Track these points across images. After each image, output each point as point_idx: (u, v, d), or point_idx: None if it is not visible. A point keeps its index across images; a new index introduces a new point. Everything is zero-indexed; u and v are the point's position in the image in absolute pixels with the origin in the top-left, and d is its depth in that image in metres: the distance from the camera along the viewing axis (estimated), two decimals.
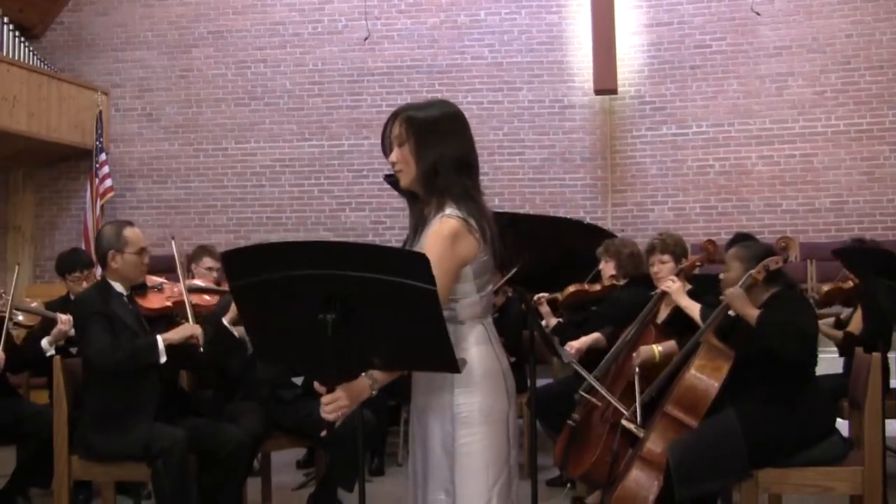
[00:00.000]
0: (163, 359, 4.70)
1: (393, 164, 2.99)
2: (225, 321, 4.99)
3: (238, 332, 4.91)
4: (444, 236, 2.84)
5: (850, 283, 6.37)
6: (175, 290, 5.16)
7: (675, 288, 5.17)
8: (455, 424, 2.91)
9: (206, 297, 5.50)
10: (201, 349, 4.81)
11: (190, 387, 5.84)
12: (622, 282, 6.09)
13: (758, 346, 4.31)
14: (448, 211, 2.88)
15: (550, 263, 7.13)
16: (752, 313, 4.33)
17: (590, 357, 5.62)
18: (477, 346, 2.96)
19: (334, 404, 2.78)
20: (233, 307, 4.96)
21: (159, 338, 4.73)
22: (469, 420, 2.91)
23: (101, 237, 5.00)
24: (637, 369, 5.01)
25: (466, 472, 2.91)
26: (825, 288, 6.62)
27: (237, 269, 2.79)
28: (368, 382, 2.84)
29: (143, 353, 4.70)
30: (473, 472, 2.91)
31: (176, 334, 4.79)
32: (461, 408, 2.91)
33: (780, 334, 4.20)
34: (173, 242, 5.40)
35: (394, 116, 3.04)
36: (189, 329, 4.82)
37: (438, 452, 2.96)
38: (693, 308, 5.04)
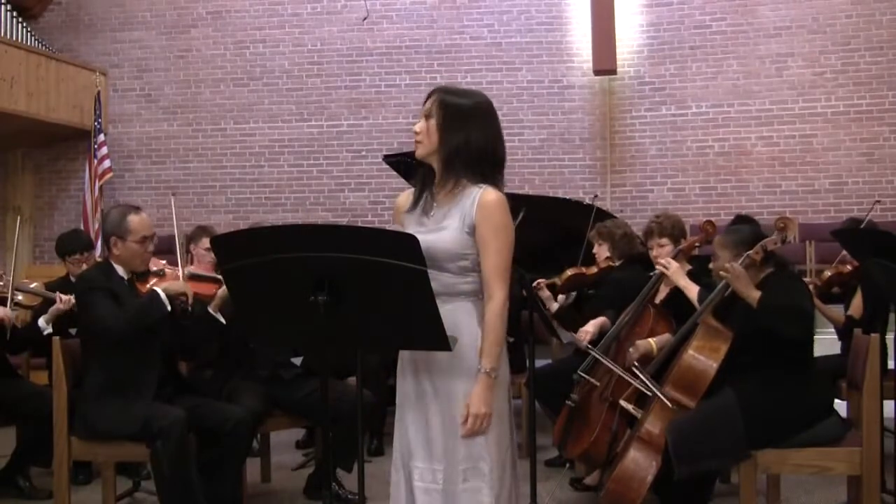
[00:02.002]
0: (168, 307, 4.67)
1: (416, 133, 3.11)
2: (210, 309, 5.01)
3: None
4: (503, 208, 3.04)
5: (849, 267, 6.37)
6: (177, 276, 5.13)
7: (672, 269, 5.16)
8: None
9: (209, 285, 5.45)
10: (189, 309, 4.78)
11: (189, 367, 5.85)
12: (618, 263, 6.10)
13: (757, 327, 4.30)
14: (487, 186, 3.06)
15: (550, 243, 7.15)
16: (754, 294, 4.31)
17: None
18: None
19: (476, 424, 2.98)
20: (218, 294, 4.99)
21: (157, 288, 4.71)
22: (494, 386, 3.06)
23: (106, 220, 4.98)
24: (634, 366, 5.00)
25: (491, 437, 3.04)
26: (826, 274, 6.61)
27: (227, 252, 2.84)
28: (487, 378, 2.99)
29: (149, 306, 4.66)
30: (495, 437, 3.05)
31: (172, 285, 4.76)
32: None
33: (782, 315, 4.20)
34: (172, 199, 5.37)
35: (431, 92, 3.17)
36: (182, 286, 4.79)
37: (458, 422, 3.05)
38: (691, 288, 5.02)
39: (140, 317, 4.66)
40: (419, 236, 2.77)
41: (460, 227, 3.02)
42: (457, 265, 3.03)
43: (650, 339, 5.12)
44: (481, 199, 3.01)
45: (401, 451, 3.16)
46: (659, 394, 4.61)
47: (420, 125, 3.11)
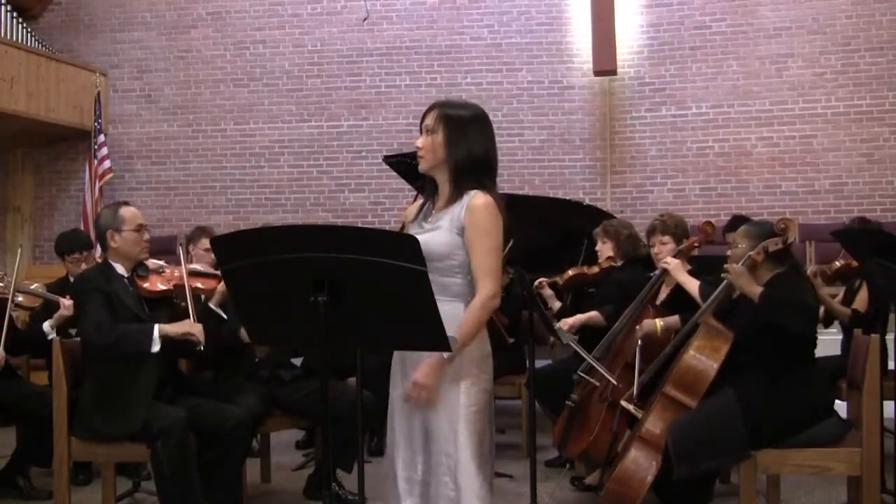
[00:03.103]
0: (155, 348, 4.64)
1: (418, 148, 3.25)
2: (211, 304, 5.01)
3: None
4: (490, 211, 3.15)
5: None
6: (176, 273, 5.13)
7: (673, 264, 5.18)
8: (467, 392, 3.18)
9: (210, 280, 5.44)
10: (201, 347, 4.76)
11: (189, 368, 5.84)
12: (619, 263, 6.09)
13: (760, 322, 4.31)
14: (476, 191, 3.18)
15: (550, 243, 7.15)
16: (755, 291, 4.32)
17: (590, 337, 5.63)
18: None
19: (414, 392, 3.10)
20: (219, 289, 5.00)
21: (156, 327, 4.69)
22: (474, 389, 3.19)
23: (99, 220, 5.01)
24: (638, 346, 5.02)
25: (467, 436, 3.15)
26: (836, 264, 6.59)
27: (227, 253, 2.86)
28: (440, 359, 3.07)
29: (137, 338, 4.66)
30: (473, 436, 3.16)
31: (174, 328, 4.72)
32: (476, 378, 3.20)
33: (783, 309, 4.21)
34: (180, 248, 5.44)
35: (430, 108, 3.29)
36: (188, 326, 4.75)
37: (443, 419, 3.16)
38: (691, 284, 5.05)
39: (122, 342, 4.64)
40: (417, 236, 2.84)
41: (450, 227, 3.16)
42: (444, 263, 3.15)
43: (656, 320, 5.14)
44: (470, 202, 3.15)
45: (391, 442, 3.37)
46: (636, 406, 4.69)
47: (422, 140, 3.25)
